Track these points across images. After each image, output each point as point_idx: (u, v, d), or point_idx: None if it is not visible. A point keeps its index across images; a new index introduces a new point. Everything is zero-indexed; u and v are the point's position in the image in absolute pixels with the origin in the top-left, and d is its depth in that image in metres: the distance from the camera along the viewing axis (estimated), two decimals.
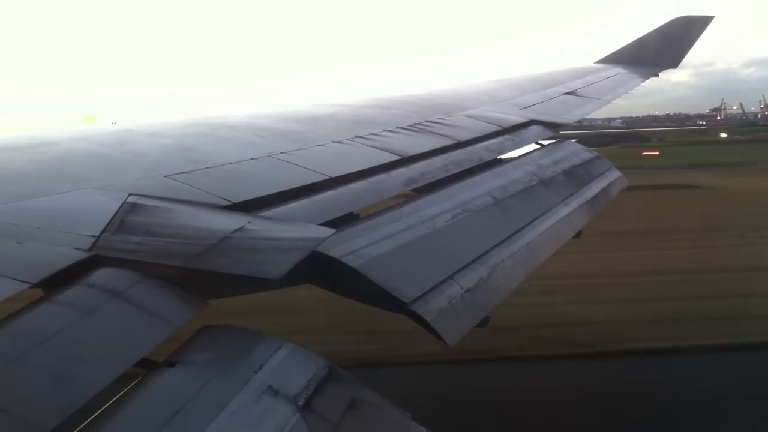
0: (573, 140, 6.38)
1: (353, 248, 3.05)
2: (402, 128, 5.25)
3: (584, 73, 10.16)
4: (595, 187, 5.47)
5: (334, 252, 2.93)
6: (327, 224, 3.23)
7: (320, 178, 3.84)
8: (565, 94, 8.31)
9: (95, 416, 1.87)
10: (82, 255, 2.43)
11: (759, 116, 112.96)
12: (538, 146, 5.94)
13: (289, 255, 2.68)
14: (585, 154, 6.06)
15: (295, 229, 3.02)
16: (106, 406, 1.91)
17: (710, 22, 12.86)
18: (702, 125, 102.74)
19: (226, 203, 3.19)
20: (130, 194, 3.04)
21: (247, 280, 2.59)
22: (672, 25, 12.77)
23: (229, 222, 2.95)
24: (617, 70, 10.85)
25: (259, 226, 2.95)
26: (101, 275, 2.36)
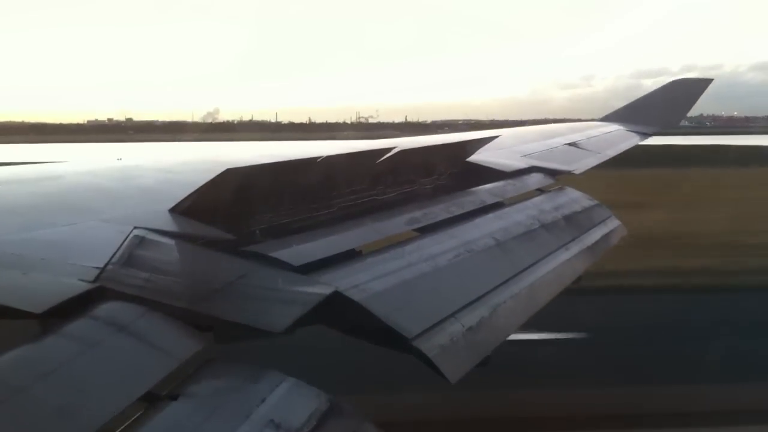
0: (572, 188, 6.41)
1: (355, 283, 3.05)
2: None
3: (585, 128, 10.34)
4: (595, 234, 5.48)
5: (336, 286, 2.94)
6: (328, 260, 3.24)
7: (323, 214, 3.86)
8: (566, 144, 8.42)
9: None
10: (87, 286, 2.44)
11: None
12: (539, 192, 5.96)
13: (291, 309, 2.69)
14: (585, 201, 6.09)
15: (298, 282, 3.00)
16: None
17: (709, 84, 13.15)
18: None
19: (229, 237, 3.20)
20: (134, 227, 3.03)
21: (249, 330, 2.61)
22: (671, 87, 13.10)
23: (234, 267, 2.97)
24: (616, 127, 11.05)
25: (262, 274, 2.96)
26: (106, 308, 2.36)
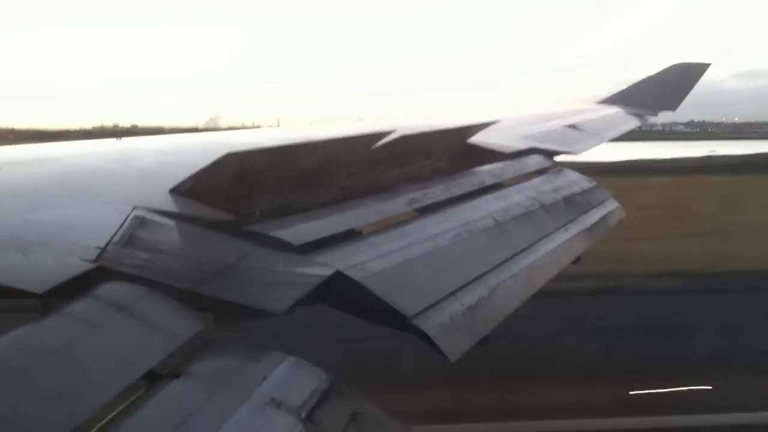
0: (571, 170, 6.39)
1: (355, 262, 3.06)
2: None
3: (583, 111, 10.29)
4: (594, 216, 5.48)
5: (337, 266, 2.94)
6: (329, 240, 3.24)
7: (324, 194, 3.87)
8: (565, 126, 8.38)
9: (99, 427, 1.88)
10: (88, 266, 2.44)
11: None
12: (539, 173, 5.95)
13: (291, 291, 2.71)
14: (584, 183, 6.08)
15: (298, 262, 3.01)
16: (110, 417, 1.92)
17: (707, 69, 13.11)
18: None
19: (230, 217, 3.20)
20: (134, 208, 3.04)
21: (249, 311, 2.63)
22: (670, 71, 13.04)
23: (234, 248, 2.97)
24: (615, 110, 11.00)
25: (263, 255, 2.97)
26: (107, 288, 2.37)
